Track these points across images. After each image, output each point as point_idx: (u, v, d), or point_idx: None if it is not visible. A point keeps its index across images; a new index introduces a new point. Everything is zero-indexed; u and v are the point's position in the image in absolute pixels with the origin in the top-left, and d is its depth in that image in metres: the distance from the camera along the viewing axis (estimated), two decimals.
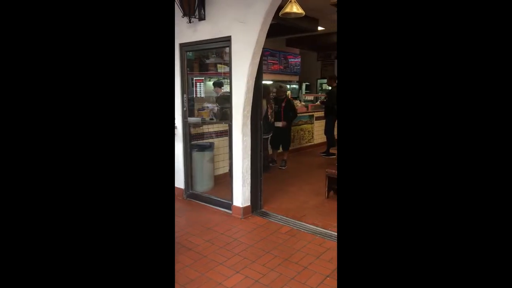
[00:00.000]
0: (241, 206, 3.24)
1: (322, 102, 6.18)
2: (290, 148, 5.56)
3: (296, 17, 3.56)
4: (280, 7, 3.11)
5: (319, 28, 5.91)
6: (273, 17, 3.09)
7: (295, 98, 7.58)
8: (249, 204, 3.31)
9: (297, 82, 8.53)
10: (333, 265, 2.36)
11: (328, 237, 2.82)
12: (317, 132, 6.87)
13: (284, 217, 3.23)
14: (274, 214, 3.32)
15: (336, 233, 2.86)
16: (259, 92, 3.28)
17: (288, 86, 6.06)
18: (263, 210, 3.44)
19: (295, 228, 3.00)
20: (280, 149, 5.36)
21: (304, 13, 3.41)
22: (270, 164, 5.28)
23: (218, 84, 4.24)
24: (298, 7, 3.31)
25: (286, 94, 5.19)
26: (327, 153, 5.93)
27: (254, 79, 3.13)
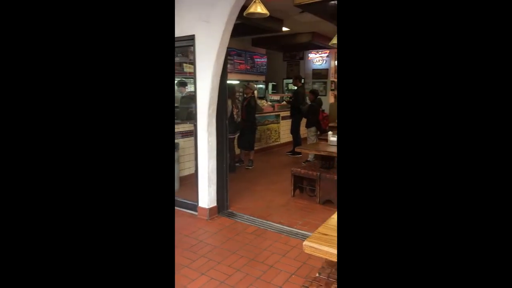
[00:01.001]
0: (207, 207, 3.20)
1: (288, 102, 6.27)
2: (257, 148, 5.59)
3: (260, 17, 3.58)
4: (245, 7, 3.11)
5: (284, 28, 5.99)
6: (238, 17, 3.08)
7: (262, 98, 7.63)
8: (215, 205, 3.28)
9: (263, 82, 8.58)
10: (299, 263, 2.40)
11: (293, 235, 2.86)
12: (284, 131, 6.96)
13: (251, 217, 3.24)
14: (241, 214, 3.31)
15: (301, 231, 2.92)
16: (224, 92, 3.26)
17: (255, 85, 6.08)
18: (229, 210, 3.42)
19: (262, 227, 3.02)
20: (248, 150, 5.37)
21: (268, 14, 3.44)
22: (237, 164, 5.27)
23: (182, 84, 4.16)
24: (263, 7, 3.33)
25: (252, 93, 5.19)
26: (293, 152, 6.02)
27: (219, 79, 3.10)
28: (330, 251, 1.30)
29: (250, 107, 5.09)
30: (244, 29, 5.49)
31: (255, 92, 6.18)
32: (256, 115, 5.53)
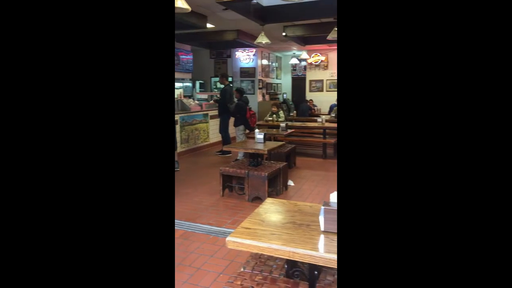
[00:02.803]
0: None
1: (215, 101, 6.19)
2: (185, 149, 5.40)
3: (182, 12, 3.44)
4: None
5: (209, 25, 5.89)
6: None
7: (189, 97, 7.41)
8: None
9: (190, 80, 8.35)
10: (227, 262, 2.37)
11: (221, 234, 2.81)
12: (213, 131, 6.87)
13: (178, 221, 3.10)
14: None
15: (229, 230, 2.88)
16: None
17: (176, 84, 5.86)
18: None
19: (189, 230, 2.91)
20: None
21: (190, 9, 3.32)
22: None
23: None
24: (184, 2, 3.20)
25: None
26: (223, 152, 5.98)
27: None
28: (253, 244, 1.32)
29: None
30: None
31: (180, 90, 5.98)
32: (183, 114, 5.35)
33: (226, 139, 5.90)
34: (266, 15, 5.35)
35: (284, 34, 6.75)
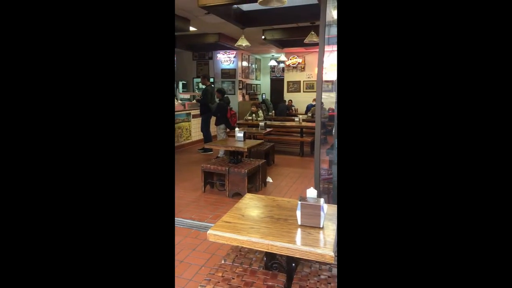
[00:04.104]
0: None
1: (197, 101, 6.31)
2: None
3: None
4: None
5: (191, 28, 6.00)
6: None
7: None
8: None
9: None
10: (208, 255, 2.49)
11: (203, 229, 2.94)
12: (195, 129, 6.97)
13: None
14: None
15: (211, 224, 3.02)
16: None
17: None
18: None
19: None
20: None
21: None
22: None
23: None
24: None
25: None
26: (204, 150, 6.09)
27: None
28: (233, 237, 1.38)
29: None
30: None
31: None
32: (175, 113, 5.43)
33: (208, 137, 6.02)
34: (246, 19, 5.52)
35: (263, 37, 6.94)
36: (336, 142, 2.55)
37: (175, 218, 3.16)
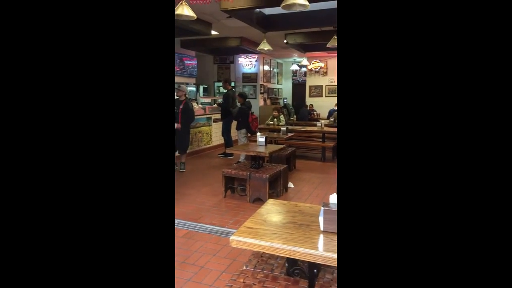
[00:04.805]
0: None
1: (218, 104, 6.34)
2: (189, 151, 5.52)
3: (188, 20, 3.58)
4: None
5: (213, 32, 6.04)
6: None
7: (193, 100, 7.55)
8: None
9: (194, 84, 8.51)
10: (229, 261, 2.46)
11: (224, 234, 2.91)
12: (215, 134, 7.00)
13: (182, 221, 3.20)
14: None
15: (231, 230, 2.99)
16: None
17: (187, 88, 6.01)
18: None
19: (193, 230, 3.01)
20: (178, 152, 5.27)
21: (195, 16, 3.46)
22: None
23: None
24: (189, 9, 3.34)
25: (185, 96, 5.11)
26: (225, 154, 6.10)
27: None
28: (255, 243, 1.38)
29: (187, 110, 5.00)
30: None
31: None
32: (196, 117, 5.49)
33: (229, 141, 6.03)
34: (268, 23, 5.50)
35: (285, 41, 6.90)
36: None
37: (197, 224, 3.15)
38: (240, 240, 1.40)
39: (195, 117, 5.72)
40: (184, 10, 3.29)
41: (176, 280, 2.21)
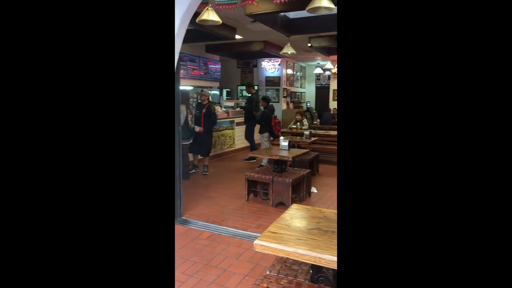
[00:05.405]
0: None
1: (241, 107, 6.39)
2: (212, 154, 5.59)
3: (213, 25, 3.63)
4: (198, 13, 3.14)
5: (237, 36, 6.10)
6: (191, 23, 3.09)
7: (216, 104, 7.65)
8: None
9: (217, 88, 8.61)
10: (252, 265, 2.46)
11: (247, 238, 2.91)
12: (238, 137, 7.04)
13: (205, 223, 3.24)
14: (195, 221, 3.29)
15: (254, 233, 2.98)
16: (176, 98, 3.24)
17: (210, 92, 6.10)
18: (183, 218, 3.38)
19: (216, 232, 3.03)
20: (201, 155, 5.34)
21: (221, 21, 3.50)
22: (193, 171, 5.22)
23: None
24: (215, 14, 3.39)
25: (208, 99, 5.19)
26: (249, 158, 6.11)
27: None
28: (279, 248, 1.37)
29: (210, 114, 5.07)
30: (198, 35, 5.49)
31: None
32: (219, 120, 5.56)
33: (253, 145, 6.03)
34: (292, 27, 5.49)
35: (309, 44, 6.85)
36: None
37: (219, 226, 3.17)
38: (264, 244, 1.40)
39: (218, 120, 5.79)
40: (209, 16, 3.33)
41: (200, 282, 2.23)
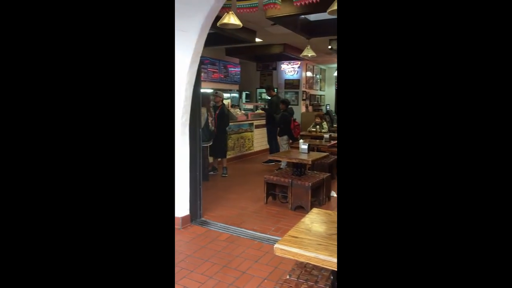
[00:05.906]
0: (179, 216, 3.19)
1: (263, 109, 6.41)
2: (231, 156, 5.61)
3: (234, 28, 3.67)
4: (219, 17, 3.18)
5: (257, 39, 6.13)
6: (212, 27, 3.14)
7: (235, 106, 7.70)
8: (188, 213, 3.27)
9: (237, 91, 8.68)
10: (271, 268, 2.45)
11: (266, 241, 2.91)
12: (257, 140, 7.05)
13: (224, 225, 3.25)
14: (214, 222, 3.32)
15: (273, 237, 2.97)
16: (197, 100, 3.29)
17: (224, 95, 6.15)
18: (202, 219, 3.42)
19: (235, 234, 3.04)
20: (217, 157, 5.39)
21: (241, 25, 3.53)
22: (212, 172, 5.27)
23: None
24: (236, 18, 3.42)
25: (222, 102, 5.25)
26: (268, 161, 6.10)
27: (193, 88, 3.13)
28: (300, 253, 1.35)
29: (223, 115, 5.13)
30: (218, 39, 5.56)
31: (228, 101, 6.25)
32: (230, 123, 5.59)
33: (276, 148, 5.97)
34: (312, 29, 5.46)
35: (329, 47, 6.79)
36: None
37: (238, 228, 3.18)
38: (284, 249, 1.39)
39: (238, 123, 5.81)
40: (230, 19, 3.37)
41: (218, 283, 2.24)
